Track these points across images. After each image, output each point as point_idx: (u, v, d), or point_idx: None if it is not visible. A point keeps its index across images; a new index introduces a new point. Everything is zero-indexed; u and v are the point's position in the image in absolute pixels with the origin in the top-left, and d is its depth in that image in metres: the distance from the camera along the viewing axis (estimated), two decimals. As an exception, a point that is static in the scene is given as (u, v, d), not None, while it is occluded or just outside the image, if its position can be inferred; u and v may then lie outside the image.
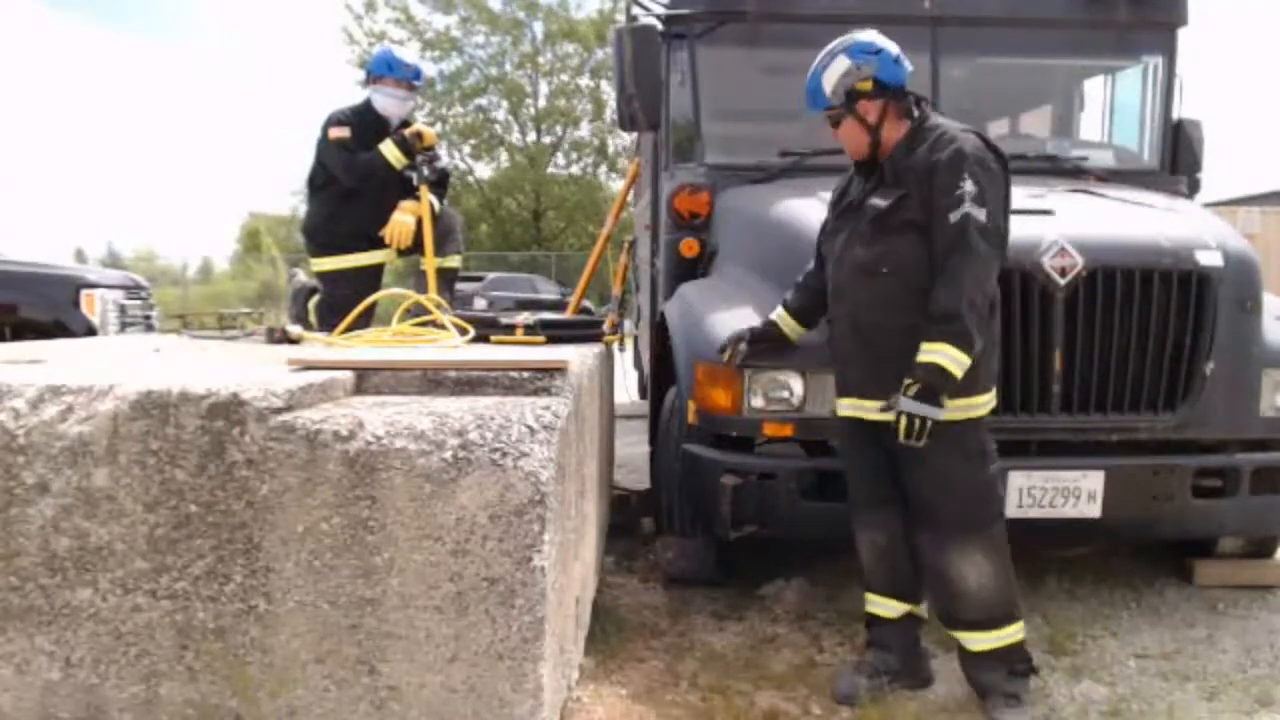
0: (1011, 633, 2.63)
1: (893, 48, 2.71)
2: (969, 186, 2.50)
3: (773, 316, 3.06)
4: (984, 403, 2.61)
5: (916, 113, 2.70)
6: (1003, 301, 2.96)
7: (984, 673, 2.65)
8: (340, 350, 3.07)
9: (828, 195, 3.50)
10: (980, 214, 2.49)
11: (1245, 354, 3.17)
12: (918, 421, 2.46)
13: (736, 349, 3.04)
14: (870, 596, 2.84)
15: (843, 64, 2.70)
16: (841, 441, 2.90)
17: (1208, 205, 5.42)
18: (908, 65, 2.72)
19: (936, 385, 2.47)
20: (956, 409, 2.54)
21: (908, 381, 2.48)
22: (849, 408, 2.75)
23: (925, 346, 2.48)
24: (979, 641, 2.63)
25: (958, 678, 2.86)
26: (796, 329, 3.03)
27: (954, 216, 2.49)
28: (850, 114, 2.71)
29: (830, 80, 2.72)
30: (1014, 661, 2.65)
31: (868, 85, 2.68)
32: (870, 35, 2.73)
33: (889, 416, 2.54)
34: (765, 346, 3.06)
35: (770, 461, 3.15)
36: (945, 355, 2.46)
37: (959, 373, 2.47)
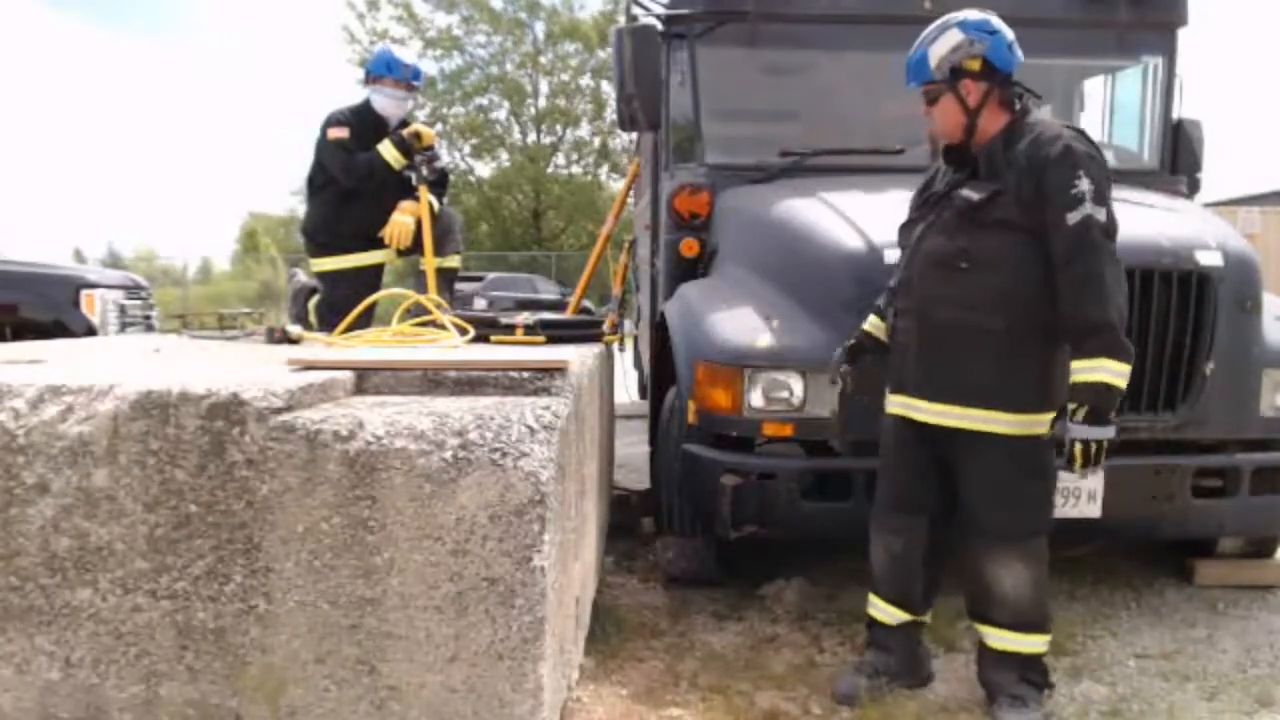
0: (1033, 642, 2.60)
1: (1009, 32, 2.57)
2: (1086, 185, 2.36)
3: (865, 326, 2.87)
4: (1050, 419, 2.48)
5: (1018, 105, 2.57)
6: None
7: (995, 672, 2.63)
8: (340, 350, 3.07)
9: (828, 195, 3.52)
10: (1101, 214, 2.38)
11: (1245, 354, 3.17)
12: (1094, 445, 2.31)
13: (840, 372, 2.83)
14: (874, 600, 2.80)
15: (954, 37, 2.54)
16: (884, 439, 2.77)
17: (1208, 205, 5.43)
18: (1020, 54, 2.59)
19: (1105, 405, 2.32)
20: (1019, 424, 2.46)
21: (1072, 407, 2.34)
22: (898, 405, 2.66)
23: (1081, 365, 2.34)
24: (999, 639, 2.61)
25: (958, 678, 2.86)
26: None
27: (1073, 218, 2.35)
28: (951, 91, 2.56)
29: (938, 53, 2.56)
30: (1028, 671, 2.61)
31: (976, 64, 2.53)
32: (988, 14, 2.59)
33: (994, 427, 2.44)
34: (868, 359, 2.85)
35: (770, 461, 3.14)
36: (1108, 371, 2.31)
37: (1123, 385, 2.33)
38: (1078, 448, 2.31)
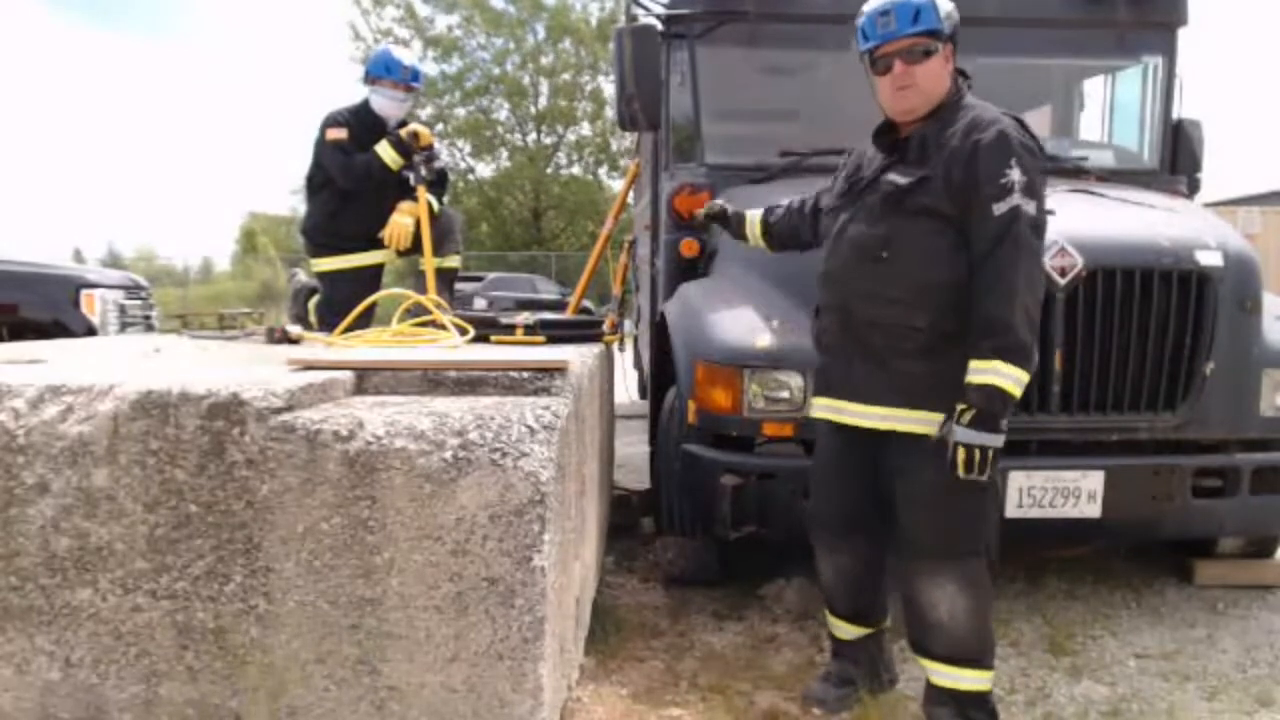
0: (972, 679, 2.36)
1: None
2: (1017, 175, 2.19)
3: (749, 214, 2.99)
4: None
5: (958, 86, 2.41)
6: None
7: (935, 706, 2.44)
8: (340, 350, 3.07)
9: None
10: (1030, 207, 2.19)
11: (1245, 354, 3.17)
12: (978, 453, 2.15)
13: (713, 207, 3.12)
14: (832, 620, 2.77)
15: None
16: (818, 450, 2.69)
17: (1208, 205, 5.43)
18: None
19: (994, 410, 2.15)
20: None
21: (961, 407, 2.18)
22: (825, 409, 2.55)
23: (976, 365, 2.18)
24: (936, 674, 2.42)
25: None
26: (759, 241, 3.00)
27: (999, 208, 2.18)
28: (943, 51, 2.32)
29: (944, 4, 2.31)
30: (970, 709, 2.38)
31: (955, 31, 2.35)
32: None
33: (924, 429, 2.28)
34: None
35: (770, 461, 3.15)
36: (1000, 374, 2.14)
37: (1018, 392, 2.16)
38: (960, 453, 2.16)
